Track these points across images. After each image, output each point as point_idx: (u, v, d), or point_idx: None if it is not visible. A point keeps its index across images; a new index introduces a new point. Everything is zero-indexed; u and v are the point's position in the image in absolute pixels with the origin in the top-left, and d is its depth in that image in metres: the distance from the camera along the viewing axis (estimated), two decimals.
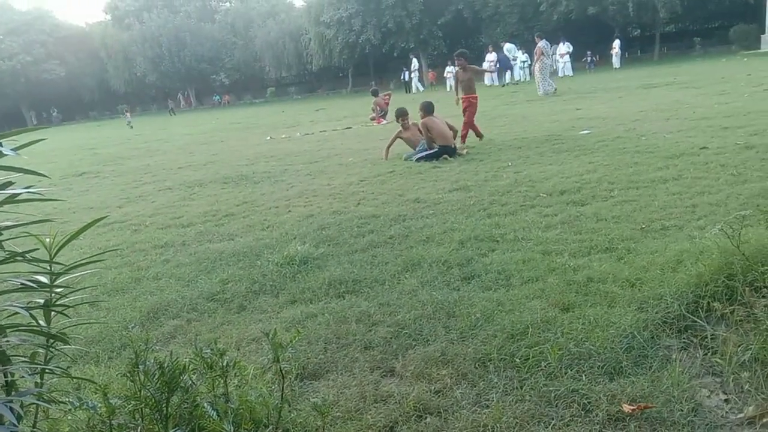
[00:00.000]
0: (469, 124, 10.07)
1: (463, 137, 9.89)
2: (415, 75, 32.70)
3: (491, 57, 28.82)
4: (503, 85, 28.38)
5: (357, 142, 12.24)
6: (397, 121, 9.62)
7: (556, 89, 18.81)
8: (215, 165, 11.23)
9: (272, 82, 59.27)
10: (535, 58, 18.87)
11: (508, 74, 29.77)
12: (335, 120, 19.38)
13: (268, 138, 15.68)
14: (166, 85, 57.76)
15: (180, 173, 10.68)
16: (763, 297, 2.44)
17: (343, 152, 10.85)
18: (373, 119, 16.71)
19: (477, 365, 2.66)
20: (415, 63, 33.10)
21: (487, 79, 28.50)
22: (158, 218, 6.85)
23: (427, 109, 9.02)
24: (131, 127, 30.67)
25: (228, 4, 65.89)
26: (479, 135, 10.18)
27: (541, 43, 18.38)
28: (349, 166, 9.09)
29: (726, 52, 32.81)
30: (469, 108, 10.07)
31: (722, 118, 9.03)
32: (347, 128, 15.99)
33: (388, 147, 9.40)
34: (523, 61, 30.66)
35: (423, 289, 3.63)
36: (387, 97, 17.71)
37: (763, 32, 30.71)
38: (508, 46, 30.14)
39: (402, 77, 35.58)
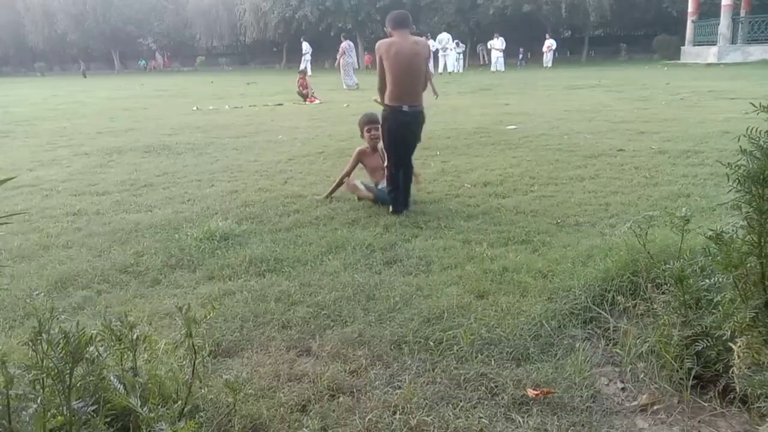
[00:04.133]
0: None
1: None
2: (306, 60, 32.04)
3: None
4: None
5: (288, 120, 12.06)
6: (362, 135, 5.52)
7: (358, 85, 20.76)
8: (137, 132, 10.79)
9: (203, 51, 57.14)
10: (338, 56, 21.53)
11: (441, 64, 29.98)
12: (267, 95, 18.99)
13: (195, 108, 15.21)
14: (89, 45, 54.70)
15: (98, 138, 10.20)
16: (663, 293, 2.59)
17: (272, 129, 10.67)
18: (306, 96, 16.38)
19: (392, 347, 2.70)
20: (305, 47, 32.50)
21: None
22: (72, 184, 6.54)
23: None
24: None
25: None
26: None
27: (344, 44, 21.36)
28: (278, 144, 8.95)
29: (649, 60, 34.35)
30: None
31: (640, 123, 9.48)
32: (279, 105, 15.73)
33: (343, 178, 5.51)
34: (459, 53, 31.02)
35: (345, 271, 3.64)
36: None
37: (684, 44, 32.31)
38: (441, 36, 30.40)
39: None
